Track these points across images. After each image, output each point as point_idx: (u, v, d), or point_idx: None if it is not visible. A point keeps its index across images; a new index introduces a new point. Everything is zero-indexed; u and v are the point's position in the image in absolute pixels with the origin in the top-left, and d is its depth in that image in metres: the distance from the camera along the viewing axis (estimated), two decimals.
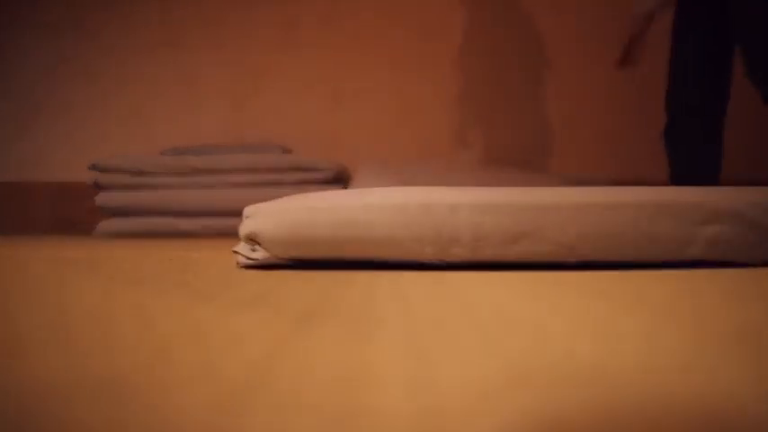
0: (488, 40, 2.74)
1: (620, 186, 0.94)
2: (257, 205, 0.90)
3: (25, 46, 2.76)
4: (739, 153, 1.87)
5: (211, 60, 2.76)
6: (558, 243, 0.84)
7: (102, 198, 2.35)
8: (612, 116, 2.66)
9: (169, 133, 2.71)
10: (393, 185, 1.05)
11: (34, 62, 2.76)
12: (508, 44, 2.74)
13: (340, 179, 2.37)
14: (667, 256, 0.86)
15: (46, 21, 2.76)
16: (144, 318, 0.46)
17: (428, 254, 0.84)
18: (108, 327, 0.43)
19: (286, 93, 2.75)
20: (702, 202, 0.87)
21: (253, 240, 0.88)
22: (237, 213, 1.13)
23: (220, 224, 2.29)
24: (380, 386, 0.28)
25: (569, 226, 0.84)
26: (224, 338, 0.38)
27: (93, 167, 2.35)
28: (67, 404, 0.26)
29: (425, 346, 0.36)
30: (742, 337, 0.38)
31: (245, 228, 0.88)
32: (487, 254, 0.84)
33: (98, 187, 2.38)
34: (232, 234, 1.97)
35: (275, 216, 0.87)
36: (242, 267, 0.88)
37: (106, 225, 2.35)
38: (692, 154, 1.68)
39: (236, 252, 0.92)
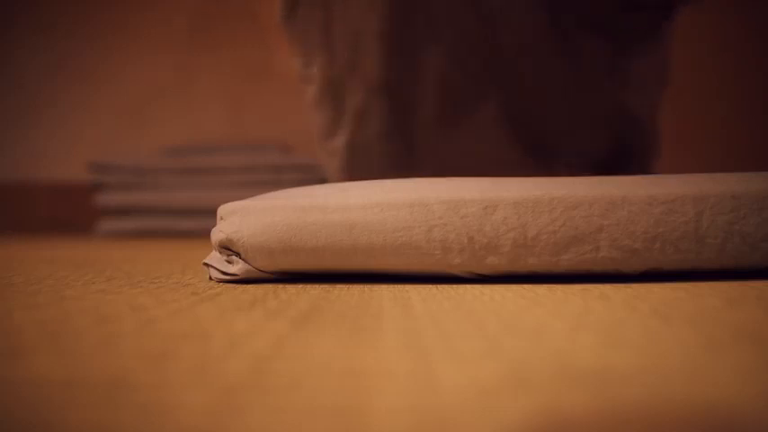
0: None
1: (700, 174, 0.70)
2: (236, 203, 0.69)
3: (25, 46, 2.76)
4: (743, 153, 1.86)
5: (211, 60, 2.76)
6: (620, 248, 0.65)
7: (102, 198, 2.36)
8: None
9: (169, 133, 2.71)
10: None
11: (34, 62, 2.76)
12: None
13: None
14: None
15: (46, 21, 2.76)
16: (144, 318, 0.46)
17: (456, 265, 0.66)
18: (108, 327, 0.43)
19: (286, 93, 2.75)
20: None
21: (228, 249, 0.68)
22: None
23: None
24: (380, 386, 0.28)
25: (636, 225, 0.65)
26: (224, 338, 0.38)
27: (93, 167, 2.36)
28: (67, 404, 0.26)
29: (425, 346, 0.36)
30: (742, 337, 0.38)
31: (219, 232, 0.67)
32: (531, 264, 0.66)
33: (98, 187, 2.38)
34: None
35: (260, 216, 0.66)
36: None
37: (106, 225, 2.35)
38: None
39: (207, 265, 0.71)
